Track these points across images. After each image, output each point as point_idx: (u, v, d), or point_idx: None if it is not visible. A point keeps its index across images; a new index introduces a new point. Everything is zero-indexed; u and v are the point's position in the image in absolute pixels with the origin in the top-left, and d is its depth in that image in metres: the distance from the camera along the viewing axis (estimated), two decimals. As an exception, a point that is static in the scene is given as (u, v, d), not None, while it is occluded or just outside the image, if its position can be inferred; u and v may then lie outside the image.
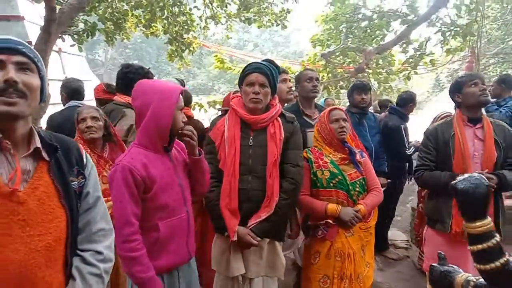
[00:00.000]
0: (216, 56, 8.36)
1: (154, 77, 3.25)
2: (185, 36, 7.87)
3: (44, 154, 1.18)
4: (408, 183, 4.65)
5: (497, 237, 1.06)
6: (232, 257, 2.17)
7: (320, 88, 8.29)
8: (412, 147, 4.12)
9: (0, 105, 1.07)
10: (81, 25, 6.03)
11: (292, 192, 2.18)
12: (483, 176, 1.12)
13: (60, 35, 5.32)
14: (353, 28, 8.65)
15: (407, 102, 4.37)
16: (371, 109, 4.91)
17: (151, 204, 1.74)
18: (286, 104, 3.42)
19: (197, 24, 8.00)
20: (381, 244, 4.30)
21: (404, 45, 8.13)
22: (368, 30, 8.54)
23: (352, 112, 3.84)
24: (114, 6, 6.90)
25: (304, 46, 23.65)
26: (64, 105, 3.61)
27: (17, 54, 1.12)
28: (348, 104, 4.07)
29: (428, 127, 2.77)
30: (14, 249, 1.08)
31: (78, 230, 1.26)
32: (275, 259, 2.25)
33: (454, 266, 1.23)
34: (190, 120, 3.16)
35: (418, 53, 8.07)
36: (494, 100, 4.23)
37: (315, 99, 3.21)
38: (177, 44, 7.83)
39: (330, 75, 8.90)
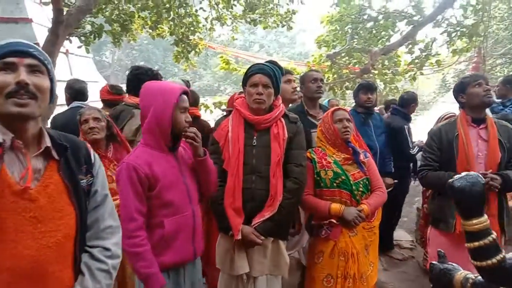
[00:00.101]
0: (221, 57, 8.40)
1: (162, 79, 3.30)
2: (191, 37, 7.91)
3: (54, 153, 1.22)
4: (414, 183, 4.65)
5: (494, 235, 1.08)
6: (236, 256, 2.19)
7: (325, 88, 8.30)
8: (416, 147, 4.13)
9: (12, 106, 1.11)
10: (88, 27, 6.11)
11: (295, 191, 2.21)
12: (480, 175, 1.14)
13: (67, 37, 5.40)
14: (358, 29, 8.64)
15: (409, 102, 4.37)
16: (377, 110, 4.92)
17: (156, 201, 1.80)
18: (290, 105, 3.45)
19: (203, 26, 8.04)
20: (386, 244, 4.31)
21: (410, 46, 8.12)
22: (374, 31, 8.53)
23: (357, 112, 3.86)
24: (120, 8, 6.97)
25: (310, 47, 23.65)
26: (68, 106, 3.66)
27: (28, 56, 1.17)
28: (353, 104, 4.09)
29: (432, 127, 2.78)
30: (26, 245, 1.12)
31: (86, 227, 1.30)
32: (279, 257, 2.27)
33: (453, 264, 1.25)
34: (197, 120, 3.21)
35: (424, 53, 8.05)
36: (500, 100, 4.23)
37: (319, 99, 3.24)
38: (183, 45, 7.88)
39: (335, 76, 8.90)
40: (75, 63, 6.80)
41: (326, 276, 2.41)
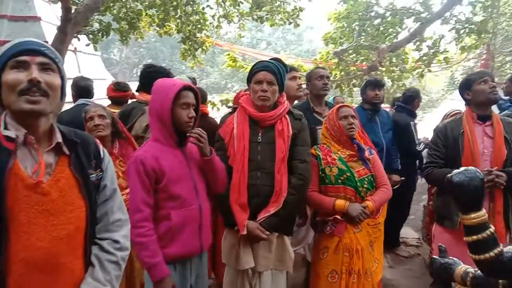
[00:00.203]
0: (228, 54, 8.43)
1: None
2: (198, 35, 7.94)
3: (65, 149, 1.26)
4: (420, 180, 4.64)
5: (492, 228, 1.10)
6: (241, 251, 2.22)
7: (332, 86, 8.28)
8: (422, 144, 4.12)
9: (25, 103, 1.16)
10: (96, 25, 6.16)
11: (300, 187, 2.24)
12: (478, 170, 1.16)
13: (75, 35, 5.46)
14: (366, 26, 8.62)
15: (413, 98, 4.37)
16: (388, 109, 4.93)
17: (163, 194, 1.87)
18: (296, 102, 3.47)
19: (210, 23, 8.06)
20: (392, 242, 4.32)
21: (418, 43, 8.08)
22: (381, 28, 8.50)
23: (364, 108, 3.87)
24: (128, 6, 7.02)
25: (317, 44, 23.57)
26: (74, 103, 3.70)
27: (40, 55, 1.21)
28: (361, 101, 4.10)
29: (437, 124, 2.78)
30: (39, 236, 1.17)
31: (96, 220, 1.34)
32: (284, 252, 2.30)
33: (454, 258, 1.27)
34: (205, 118, 3.25)
35: (431, 51, 8.00)
36: (508, 98, 4.21)
37: (325, 97, 3.26)
38: (190, 43, 7.91)
39: (342, 73, 8.89)
40: (83, 61, 6.86)
41: (331, 272, 2.43)
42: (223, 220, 2.33)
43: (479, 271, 1.14)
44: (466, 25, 7.51)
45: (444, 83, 16.69)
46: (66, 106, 3.83)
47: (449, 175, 1.17)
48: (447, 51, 8.17)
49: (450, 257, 1.29)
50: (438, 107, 16.92)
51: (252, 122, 2.27)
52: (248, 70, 2.41)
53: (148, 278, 1.87)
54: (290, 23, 8.18)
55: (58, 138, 1.26)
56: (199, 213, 1.94)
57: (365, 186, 2.44)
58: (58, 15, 5.42)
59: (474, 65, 11.66)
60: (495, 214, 2.40)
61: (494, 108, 2.61)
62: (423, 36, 7.97)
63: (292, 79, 2.97)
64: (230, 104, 6.61)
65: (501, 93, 3.51)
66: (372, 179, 2.49)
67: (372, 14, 8.53)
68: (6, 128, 1.20)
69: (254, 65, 2.33)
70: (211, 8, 8.00)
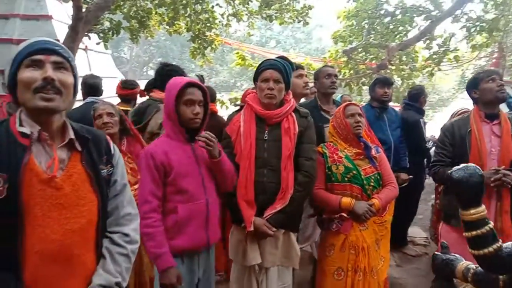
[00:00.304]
0: (237, 53, 8.45)
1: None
2: (207, 33, 7.98)
3: (77, 145, 1.31)
4: (429, 179, 4.63)
5: (491, 224, 1.12)
6: (248, 247, 2.25)
7: (342, 84, 8.24)
8: (430, 142, 4.11)
9: (40, 101, 1.20)
10: (107, 24, 6.25)
11: (306, 184, 2.26)
12: (478, 167, 1.17)
13: (86, 33, 5.54)
14: (375, 24, 8.58)
15: (419, 95, 4.36)
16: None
17: (171, 188, 1.94)
18: (304, 100, 3.49)
19: (219, 22, 8.09)
20: (400, 240, 4.31)
21: (428, 41, 8.02)
22: (391, 26, 8.45)
23: (372, 106, 3.88)
24: (138, 5, 7.08)
25: (327, 42, 23.44)
26: (83, 100, 3.75)
27: (54, 54, 1.25)
28: (369, 99, 4.10)
29: (445, 123, 2.78)
30: (53, 229, 1.21)
31: (107, 213, 1.39)
32: (290, 249, 2.33)
33: (456, 254, 1.29)
34: (214, 116, 3.30)
35: (441, 49, 7.94)
36: (517, 97, 4.17)
37: (333, 95, 3.27)
38: (199, 41, 7.95)
39: (352, 71, 8.86)
40: (94, 59, 6.94)
41: (337, 269, 2.45)
42: (231, 216, 2.36)
43: (480, 267, 1.16)
44: (477, 23, 7.43)
45: (455, 82, 16.53)
46: (75, 104, 3.89)
47: (449, 171, 1.18)
48: (458, 50, 8.09)
49: (452, 254, 1.30)
50: (449, 106, 16.75)
51: (259, 120, 2.30)
52: (257, 68, 2.43)
53: (157, 272, 1.92)
54: (299, 22, 8.17)
55: (71, 134, 1.31)
56: (206, 208, 1.99)
57: (372, 184, 2.46)
58: (70, 14, 5.50)
59: (486, 63, 11.52)
60: (503, 213, 2.40)
61: (503, 107, 2.60)
62: (433, 34, 7.91)
63: (298, 77, 3.00)
64: (239, 102, 6.64)
65: (510, 92, 3.48)
66: (378, 177, 2.50)
67: (382, 12, 8.48)
68: (21, 124, 1.25)
69: (261, 63, 2.37)
70: (221, 7, 8.04)
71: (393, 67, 8.62)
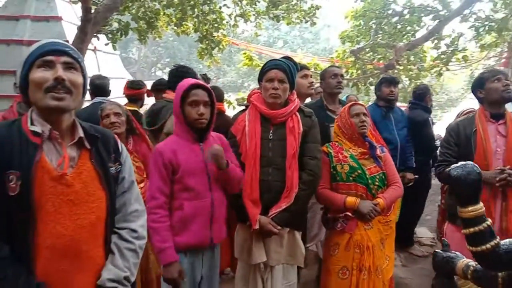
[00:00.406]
0: (244, 53, 8.49)
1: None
2: (215, 34, 8.03)
3: (86, 143, 1.36)
4: (435, 178, 4.61)
5: (488, 221, 1.13)
6: (254, 246, 2.28)
7: (349, 84, 8.22)
8: (438, 140, 4.11)
9: (51, 100, 1.25)
10: (115, 25, 6.32)
11: (311, 183, 2.29)
12: (476, 165, 1.19)
13: (95, 34, 5.61)
14: (383, 24, 8.57)
15: (424, 95, 4.35)
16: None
17: (179, 185, 2.00)
18: (310, 100, 3.51)
19: (227, 22, 8.13)
20: (406, 240, 4.31)
21: (436, 41, 7.98)
22: (399, 26, 8.44)
23: (379, 105, 3.88)
24: (146, 6, 7.16)
25: (334, 42, 23.38)
26: (91, 100, 3.79)
27: (64, 55, 1.30)
28: (375, 99, 4.10)
29: (450, 123, 2.78)
30: (64, 225, 1.26)
31: (115, 210, 1.43)
32: (295, 248, 2.35)
33: (456, 252, 1.31)
34: (221, 115, 3.34)
35: (450, 49, 7.90)
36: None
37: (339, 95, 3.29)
38: (207, 42, 8.00)
39: (359, 71, 8.85)
40: (103, 60, 7.02)
41: (342, 268, 2.45)
42: (236, 215, 2.38)
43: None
44: (486, 23, 7.39)
45: (463, 82, 16.41)
46: (86, 104, 3.94)
47: (447, 169, 1.20)
48: (466, 50, 8.04)
49: (452, 251, 1.32)
50: (458, 106, 16.62)
51: (264, 120, 2.33)
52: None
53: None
54: (306, 22, 8.18)
55: (80, 133, 1.35)
56: (211, 206, 2.04)
57: (376, 183, 2.46)
58: (79, 15, 5.58)
59: (495, 63, 11.42)
60: (508, 213, 2.39)
61: (509, 106, 2.59)
62: (441, 34, 7.88)
63: (303, 77, 3.03)
64: (245, 102, 6.66)
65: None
66: (383, 177, 2.51)
67: (390, 12, 8.47)
68: (32, 123, 1.29)
69: (265, 63, 2.40)
70: (228, 7, 8.09)
71: (401, 67, 8.60)
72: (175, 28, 7.90)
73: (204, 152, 2.06)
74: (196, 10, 7.51)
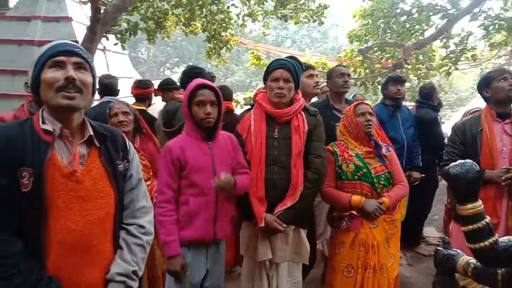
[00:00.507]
0: (252, 53, 8.52)
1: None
2: (223, 33, 8.07)
3: (96, 141, 1.40)
4: (441, 179, 4.60)
5: (487, 219, 1.15)
6: (259, 243, 2.31)
7: (357, 83, 8.18)
8: (446, 139, 4.09)
9: (62, 99, 1.29)
10: (124, 25, 6.39)
11: (316, 181, 2.31)
12: (475, 163, 1.21)
13: (104, 34, 5.68)
14: (391, 23, 8.53)
15: (431, 93, 4.34)
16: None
17: (186, 181, 2.07)
18: (317, 99, 3.53)
19: (235, 22, 8.16)
20: (413, 239, 4.31)
21: (445, 40, 7.93)
22: (407, 25, 8.39)
23: (386, 104, 3.88)
24: (155, 6, 7.21)
25: (343, 41, 23.29)
26: (100, 99, 3.84)
27: (74, 55, 1.34)
28: (382, 97, 4.10)
29: (456, 122, 2.78)
30: (74, 220, 1.30)
31: (123, 206, 1.47)
32: (300, 245, 2.38)
33: (458, 250, 1.32)
34: (230, 113, 3.38)
35: (459, 48, 7.84)
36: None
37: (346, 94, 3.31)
38: (215, 41, 8.03)
39: (367, 71, 8.82)
40: (112, 60, 7.07)
41: (347, 266, 2.46)
42: (242, 213, 2.41)
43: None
44: (496, 21, 7.32)
45: (473, 81, 16.24)
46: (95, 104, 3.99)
47: (446, 167, 1.22)
48: (475, 48, 7.97)
49: (453, 249, 1.34)
50: (467, 105, 16.47)
51: (269, 119, 2.36)
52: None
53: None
54: (314, 21, 8.17)
55: (90, 131, 1.39)
56: (215, 203, 2.09)
57: (382, 182, 2.48)
58: (88, 16, 5.64)
59: (505, 62, 11.30)
60: (513, 212, 2.39)
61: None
62: (450, 33, 7.82)
63: (309, 77, 3.05)
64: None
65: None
66: (388, 175, 2.52)
67: (398, 11, 8.43)
68: (43, 122, 1.33)
69: (271, 63, 2.43)
70: (236, 7, 8.11)
71: (409, 66, 8.55)
72: (184, 28, 7.95)
73: (212, 149, 2.12)
74: (204, 10, 7.55)
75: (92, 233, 1.33)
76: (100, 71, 6.70)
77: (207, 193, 2.08)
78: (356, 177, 2.46)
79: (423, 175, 3.84)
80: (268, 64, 2.46)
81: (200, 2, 7.41)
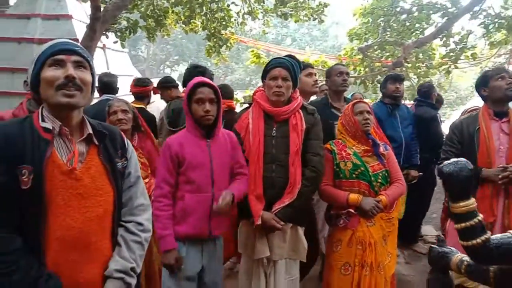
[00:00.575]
0: (252, 51, 8.52)
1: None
2: (222, 32, 8.07)
3: (95, 140, 1.41)
4: (441, 177, 4.61)
5: (480, 217, 1.16)
6: (257, 241, 2.32)
7: (357, 82, 8.18)
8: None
9: (62, 97, 1.30)
10: (124, 23, 6.39)
11: (313, 179, 2.33)
12: (468, 161, 1.22)
13: (104, 32, 5.68)
14: (391, 21, 8.53)
15: (430, 92, 4.35)
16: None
17: (183, 177, 2.10)
18: (316, 97, 3.54)
19: (235, 20, 8.16)
20: (411, 238, 4.32)
21: (445, 39, 7.93)
22: (407, 24, 8.40)
23: (384, 103, 3.89)
24: (155, 4, 7.21)
25: (343, 40, 23.29)
26: (100, 97, 3.84)
27: (74, 54, 1.35)
28: (381, 96, 4.11)
29: (454, 121, 2.79)
30: (73, 217, 1.31)
31: (122, 204, 1.48)
32: (298, 243, 2.39)
33: (452, 247, 1.34)
34: (232, 112, 3.39)
35: (459, 46, 7.84)
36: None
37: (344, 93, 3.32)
38: (215, 40, 8.04)
39: (367, 69, 8.83)
40: (112, 58, 7.07)
41: (344, 264, 2.47)
42: (239, 211, 2.42)
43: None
44: (496, 20, 7.32)
45: (473, 80, 16.23)
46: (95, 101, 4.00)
47: (440, 165, 1.24)
48: (475, 47, 7.97)
49: (448, 247, 1.35)
50: (467, 104, 16.48)
51: (267, 117, 2.37)
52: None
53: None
54: (314, 19, 8.16)
55: (89, 129, 1.41)
56: (211, 200, 2.10)
57: (379, 181, 2.49)
58: (88, 14, 5.65)
59: (505, 61, 11.30)
60: (510, 210, 2.41)
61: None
62: (450, 31, 7.81)
63: (308, 75, 3.06)
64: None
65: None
66: (386, 174, 2.53)
67: (398, 9, 8.43)
68: (43, 120, 1.35)
69: (269, 62, 2.45)
70: (236, 5, 8.10)
71: (409, 65, 8.55)
72: (184, 26, 7.95)
73: (210, 147, 2.14)
74: (204, 8, 7.55)
75: (90, 230, 1.35)
76: (100, 69, 6.72)
77: (204, 191, 2.10)
78: (353, 175, 2.48)
79: (421, 173, 3.85)
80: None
81: (200, 0, 7.41)
